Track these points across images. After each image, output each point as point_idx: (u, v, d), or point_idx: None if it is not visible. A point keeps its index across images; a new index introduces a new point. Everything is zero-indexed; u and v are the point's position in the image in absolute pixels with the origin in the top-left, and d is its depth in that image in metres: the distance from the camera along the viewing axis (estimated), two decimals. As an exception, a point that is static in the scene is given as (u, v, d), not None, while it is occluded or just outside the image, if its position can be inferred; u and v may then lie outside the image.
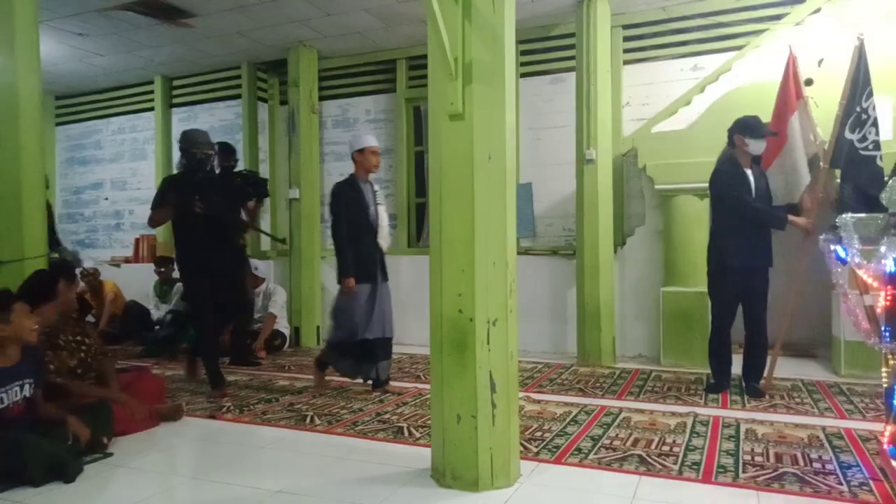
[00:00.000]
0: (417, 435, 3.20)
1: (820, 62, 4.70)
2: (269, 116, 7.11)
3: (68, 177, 8.27)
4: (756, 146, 3.95)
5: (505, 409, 2.49)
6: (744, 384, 4.07)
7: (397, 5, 5.28)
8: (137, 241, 7.52)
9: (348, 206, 4.09)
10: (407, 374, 4.77)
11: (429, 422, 3.03)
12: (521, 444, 2.86)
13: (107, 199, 7.99)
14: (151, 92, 7.50)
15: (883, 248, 2.29)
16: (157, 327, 6.24)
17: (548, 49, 5.90)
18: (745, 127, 3.94)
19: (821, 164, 4.01)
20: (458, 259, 2.49)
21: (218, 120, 7.24)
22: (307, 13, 5.48)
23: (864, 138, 3.89)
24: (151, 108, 7.52)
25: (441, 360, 2.52)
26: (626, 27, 5.57)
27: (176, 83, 7.45)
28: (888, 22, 4.55)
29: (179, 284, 6.46)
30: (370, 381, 4.23)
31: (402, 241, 6.45)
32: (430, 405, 2.72)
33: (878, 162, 3.81)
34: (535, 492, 2.48)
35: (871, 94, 3.92)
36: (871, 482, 2.52)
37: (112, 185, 7.97)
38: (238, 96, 7.02)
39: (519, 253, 2.87)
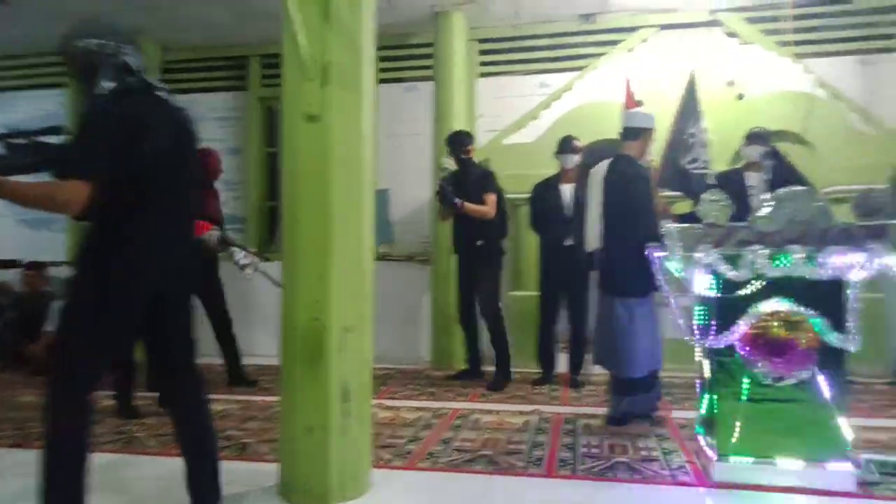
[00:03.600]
0: (264, 450, 3.05)
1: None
2: (102, 107, 6.46)
3: None
4: (564, 160, 4.47)
5: (358, 418, 2.45)
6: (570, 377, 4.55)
7: (249, -1, 5.05)
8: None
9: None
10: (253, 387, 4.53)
11: (276, 436, 2.90)
12: (374, 453, 2.83)
13: None
14: (-45, 75, 6.51)
15: (699, 255, 2.57)
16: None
17: (406, 57, 5.96)
18: (557, 145, 4.52)
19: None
20: (314, 265, 2.42)
21: (39, 109, 6.45)
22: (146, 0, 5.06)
23: (694, 160, 4.45)
24: (-44, 92, 6.53)
25: (293, 370, 2.43)
26: (480, 41, 5.79)
27: (-13, 66, 6.54)
28: (706, 54, 5.16)
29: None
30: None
31: (251, 246, 6.14)
32: (278, 418, 2.61)
33: (710, 181, 4.33)
34: (386, 500, 2.47)
35: (699, 119, 4.54)
36: (687, 465, 2.82)
37: None
38: (65, 84, 6.30)
39: (375, 259, 2.85)
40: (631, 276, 3.24)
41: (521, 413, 3.72)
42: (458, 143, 4.63)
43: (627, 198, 3.33)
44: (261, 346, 5.43)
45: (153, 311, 2.03)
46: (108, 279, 1.93)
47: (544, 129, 5.47)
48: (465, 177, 4.57)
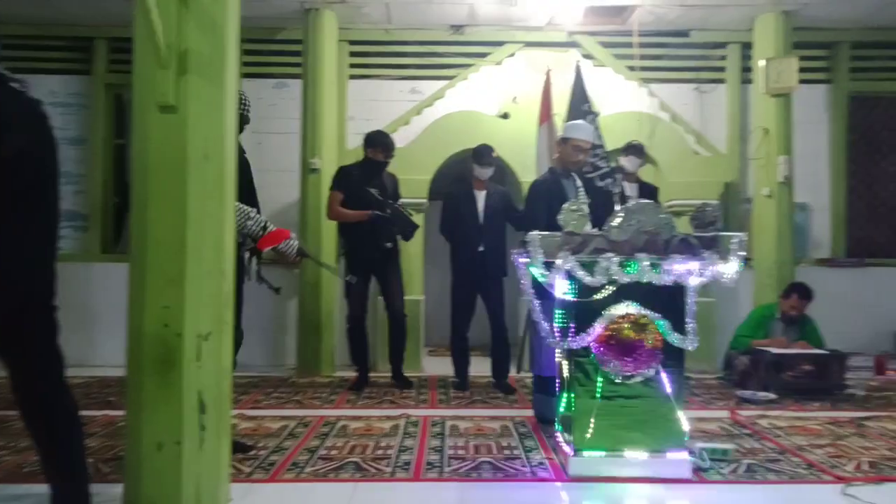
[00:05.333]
0: (106, 470, 2.77)
1: (515, 99, 5.45)
2: None
3: None
4: (480, 172, 4.49)
5: (215, 431, 2.30)
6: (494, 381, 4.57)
7: (96, -25, 4.61)
8: None
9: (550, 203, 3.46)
10: (94, 401, 4.08)
11: (121, 454, 2.65)
12: (233, 466, 2.68)
13: None
14: None
15: (559, 261, 2.71)
16: None
17: (273, 52, 5.75)
18: (474, 155, 4.53)
19: None
20: (166, 268, 2.23)
21: None
22: (-31, -39, 4.45)
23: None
24: None
25: (140, 381, 2.22)
26: (352, 42, 5.72)
27: None
28: (563, 69, 5.48)
29: None
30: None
31: (94, 246, 5.61)
32: (123, 434, 2.38)
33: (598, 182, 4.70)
34: (247, 515, 2.34)
35: (591, 109, 4.93)
36: (546, 461, 2.95)
37: None
38: None
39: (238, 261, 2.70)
40: None
41: (389, 417, 3.71)
42: (368, 141, 4.52)
43: (525, 203, 3.65)
44: (105, 356, 4.97)
45: (9, 329, 1.87)
46: None
47: (416, 134, 5.52)
48: (369, 179, 4.42)
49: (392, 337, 4.65)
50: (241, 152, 3.01)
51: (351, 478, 2.71)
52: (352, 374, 4.76)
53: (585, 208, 2.85)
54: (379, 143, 4.48)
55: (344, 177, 4.50)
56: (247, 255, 2.87)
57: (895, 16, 5.41)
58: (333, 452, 3.05)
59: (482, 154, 4.51)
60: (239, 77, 2.57)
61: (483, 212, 4.50)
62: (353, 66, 5.76)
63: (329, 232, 5.20)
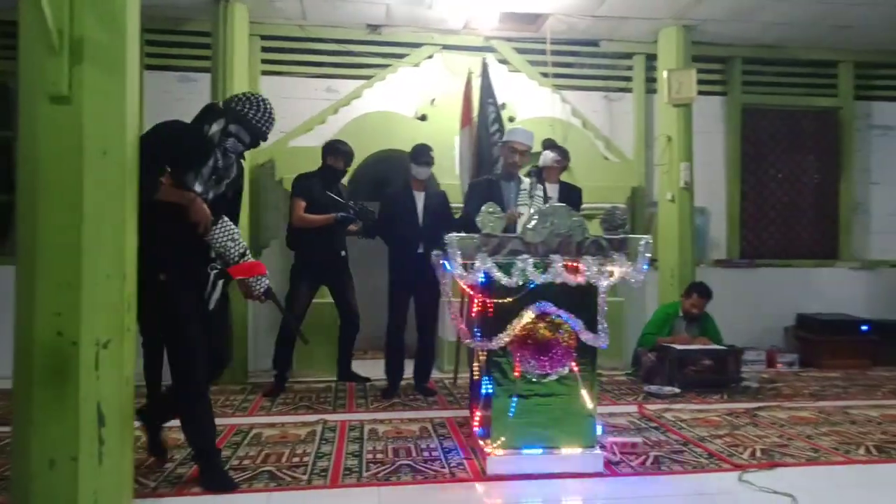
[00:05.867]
0: (-12, 493, 2.53)
1: (433, 101, 5.47)
2: None
3: None
4: (419, 171, 4.41)
5: (117, 444, 2.15)
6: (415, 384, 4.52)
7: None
8: None
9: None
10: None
11: (6, 473, 2.43)
12: (137, 481, 2.52)
13: None
14: None
15: (477, 263, 2.74)
16: None
17: (179, 44, 5.47)
18: (412, 154, 4.45)
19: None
20: (60, 271, 2.07)
21: None
22: None
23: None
24: None
25: (30, 394, 2.05)
26: (264, 37, 5.54)
27: None
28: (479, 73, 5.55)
29: None
30: None
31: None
32: (9, 453, 2.18)
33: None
34: (152, 533, 2.21)
35: (498, 107, 4.99)
36: (465, 462, 2.97)
37: None
38: None
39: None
40: None
41: (305, 423, 3.61)
42: (329, 149, 4.55)
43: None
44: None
45: None
46: None
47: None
48: (329, 186, 4.44)
49: (347, 340, 4.71)
50: (241, 167, 2.97)
51: (265, 487, 2.62)
52: (265, 380, 4.61)
53: (523, 211, 2.91)
54: (341, 152, 4.54)
55: (304, 184, 4.49)
56: (213, 274, 2.68)
57: (780, 35, 5.87)
58: (246, 462, 2.93)
59: (420, 153, 4.43)
60: (141, 68, 2.42)
61: (422, 212, 4.41)
62: (265, 61, 5.57)
63: (241, 230, 4.99)
